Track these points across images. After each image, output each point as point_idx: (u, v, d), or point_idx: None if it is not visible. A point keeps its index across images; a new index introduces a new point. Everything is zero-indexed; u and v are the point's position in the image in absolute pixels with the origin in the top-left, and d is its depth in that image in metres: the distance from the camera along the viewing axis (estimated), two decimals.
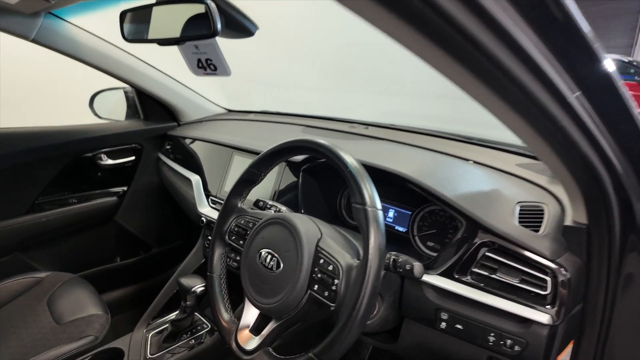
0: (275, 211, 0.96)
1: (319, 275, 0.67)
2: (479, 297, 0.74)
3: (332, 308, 0.64)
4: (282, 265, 0.70)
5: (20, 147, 1.49)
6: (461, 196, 0.78)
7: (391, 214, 0.98)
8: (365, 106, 1.65)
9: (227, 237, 0.87)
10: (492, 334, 0.73)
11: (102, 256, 1.77)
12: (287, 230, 0.72)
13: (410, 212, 0.95)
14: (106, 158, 1.68)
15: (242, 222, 0.85)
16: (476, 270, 0.76)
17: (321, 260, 0.68)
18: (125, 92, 1.81)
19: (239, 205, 0.88)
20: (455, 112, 1.41)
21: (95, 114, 1.77)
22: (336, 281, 0.64)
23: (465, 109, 1.45)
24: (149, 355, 1.07)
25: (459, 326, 0.76)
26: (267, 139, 1.37)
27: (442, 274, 0.78)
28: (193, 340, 1.12)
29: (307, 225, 0.73)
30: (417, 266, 0.66)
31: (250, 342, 0.73)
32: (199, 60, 1.09)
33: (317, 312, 0.70)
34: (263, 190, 1.16)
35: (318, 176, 1.10)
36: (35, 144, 1.51)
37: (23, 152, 1.49)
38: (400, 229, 0.96)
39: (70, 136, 1.58)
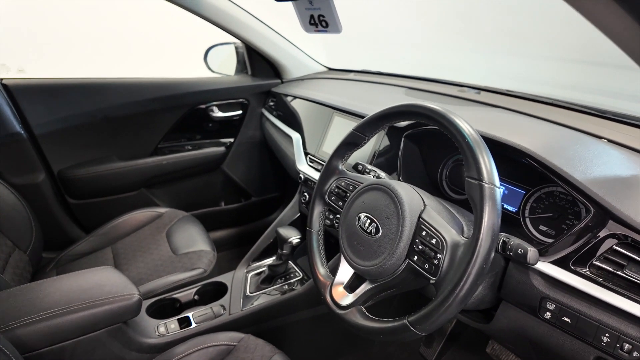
0: (374, 176, 0.95)
1: (420, 247, 0.66)
2: (598, 293, 0.66)
3: (431, 281, 0.63)
4: (381, 231, 0.71)
5: (148, 96, 1.68)
6: (593, 180, 0.68)
7: (501, 191, 0.91)
8: (479, 67, 1.50)
9: (326, 196, 0.89)
10: (606, 334, 0.66)
11: (209, 199, 1.97)
12: (389, 198, 0.71)
13: (524, 192, 0.87)
14: (217, 110, 1.82)
15: (343, 184, 0.87)
16: (598, 263, 0.68)
17: (423, 232, 0.66)
18: (236, 47, 1.90)
19: (340, 167, 0.89)
20: (587, 78, 1.21)
21: (209, 68, 1.90)
22: (439, 255, 0.63)
23: (598, 75, 1.24)
24: (248, 293, 1.19)
25: (566, 319, 0.70)
26: (369, 100, 1.35)
27: (556, 263, 0.71)
28: (286, 286, 1.22)
29: (410, 195, 0.71)
30: (532, 252, 0.61)
31: (344, 298, 0.76)
32: (312, 17, 1.08)
33: (413, 281, 0.70)
34: (361, 153, 1.16)
35: (421, 143, 1.05)
36: (160, 93, 1.69)
37: (150, 100, 1.68)
38: (510, 208, 0.89)
39: (188, 87, 1.74)
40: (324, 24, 1.07)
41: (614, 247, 0.66)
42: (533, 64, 1.34)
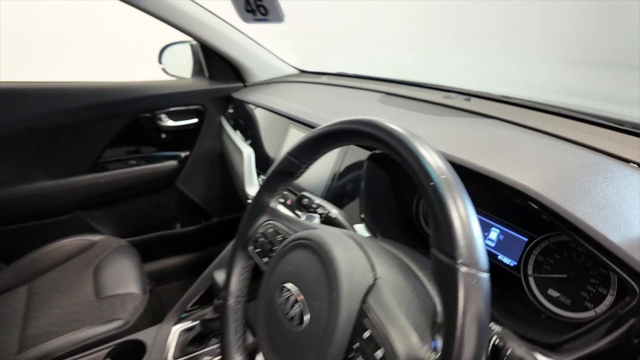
0: (322, 215, 0.71)
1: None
2: None
3: None
4: (305, 319, 0.45)
5: (83, 103, 1.43)
6: (636, 242, 0.43)
7: (494, 235, 0.65)
8: (472, 69, 1.27)
9: (251, 246, 0.64)
10: None
11: (162, 221, 1.71)
12: (321, 264, 0.46)
13: (526, 239, 0.62)
14: (167, 119, 1.56)
15: (271, 230, 0.61)
16: None
17: (365, 334, 0.41)
18: (191, 46, 1.65)
19: (271, 204, 0.64)
20: (592, 82, 0.98)
21: (164, 70, 1.65)
22: None
23: (611, 79, 1.02)
24: (170, 358, 0.93)
25: None
26: (334, 109, 1.10)
27: None
28: None
29: (353, 262, 0.46)
30: None
31: None
32: (247, 2, 0.84)
33: None
34: (317, 178, 0.91)
35: (390, 167, 0.80)
36: (96, 100, 1.44)
37: (84, 108, 1.42)
38: (507, 261, 0.63)
39: (130, 93, 1.48)
40: (262, 10, 0.83)
41: None
42: (532, 66, 1.12)
